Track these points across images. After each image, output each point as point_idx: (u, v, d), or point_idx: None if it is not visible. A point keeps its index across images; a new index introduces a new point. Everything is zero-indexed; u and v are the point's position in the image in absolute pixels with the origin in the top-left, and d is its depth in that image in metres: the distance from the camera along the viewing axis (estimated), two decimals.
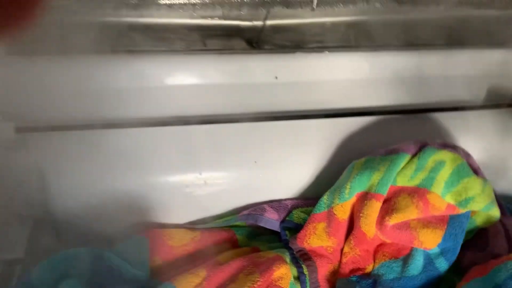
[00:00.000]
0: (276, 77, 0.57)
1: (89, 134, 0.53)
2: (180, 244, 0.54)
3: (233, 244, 0.56)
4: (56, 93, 0.52)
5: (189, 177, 0.56)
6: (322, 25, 0.63)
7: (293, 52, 0.57)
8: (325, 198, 0.53)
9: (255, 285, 0.47)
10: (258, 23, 0.61)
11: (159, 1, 0.54)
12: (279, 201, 0.59)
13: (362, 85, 0.60)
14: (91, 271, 0.48)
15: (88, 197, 0.52)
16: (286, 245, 0.54)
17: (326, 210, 0.52)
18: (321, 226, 0.52)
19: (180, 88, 0.55)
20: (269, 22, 0.60)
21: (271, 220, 0.56)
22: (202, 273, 0.49)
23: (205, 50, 0.58)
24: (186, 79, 0.55)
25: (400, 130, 0.59)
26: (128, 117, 0.54)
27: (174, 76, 0.55)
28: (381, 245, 0.52)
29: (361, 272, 0.51)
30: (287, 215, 0.57)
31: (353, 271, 0.52)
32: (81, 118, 0.53)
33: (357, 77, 0.60)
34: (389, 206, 0.50)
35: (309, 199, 0.59)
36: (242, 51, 0.59)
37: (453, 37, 0.66)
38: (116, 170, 0.53)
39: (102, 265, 0.49)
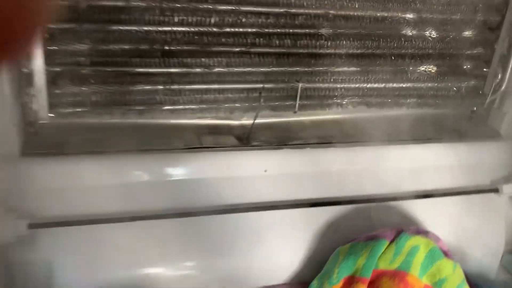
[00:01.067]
0: (265, 171, 0.64)
1: (94, 228, 0.57)
2: None
3: None
4: (64, 190, 0.56)
5: (187, 267, 0.59)
6: (302, 124, 0.72)
7: (281, 148, 0.65)
8: (315, 284, 0.58)
9: None
10: (247, 122, 0.69)
11: (162, 107, 0.62)
12: (273, 285, 0.63)
13: (341, 176, 0.67)
14: None
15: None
16: None
17: None
18: None
19: (179, 182, 0.61)
20: (256, 121, 0.68)
21: None
22: None
23: (201, 147, 0.65)
24: (185, 174, 0.61)
25: (377, 217, 0.66)
26: (131, 211, 0.59)
27: (174, 171, 0.61)
28: None
29: None
30: None
31: None
32: (88, 213, 0.57)
33: (334, 169, 0.68)
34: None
35: (301, 283, 0.63)
36: (234, 148, 0.65)
37: (416, 132, 0.75)
38: (116, 263, 0.57)
39: None
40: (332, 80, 0.68)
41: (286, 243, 0.63)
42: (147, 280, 0.58)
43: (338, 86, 0.68)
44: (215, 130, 0.69)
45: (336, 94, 0.69)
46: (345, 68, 0.68)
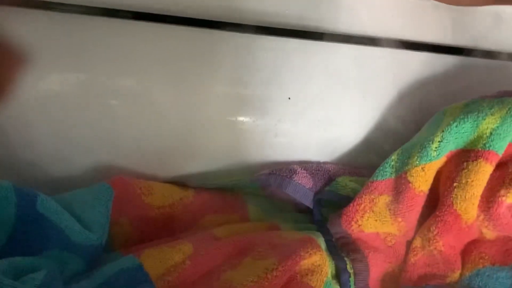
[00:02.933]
0: None
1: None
2: (162, 204, 0.36)
3: (242, 216, 0.37)
4: None
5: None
6: None
7: None
8: (393, 159, 0.34)
9: (268, 276, 0.28)
10: None
11: None
12: (318, 163, 0.40)
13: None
14: (14, 219, 0.30)
15: None
16: (321, 228, 0.35)
17: (394, 176, 0.33)
18: (384, 200, 0.33)
19: None
20: None
21: (302, 187, 0.37)
22: (186, 248, 0.31)
23: None
24: None
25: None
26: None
27: None
28: (480, 241, 0.32)
29: (439, 281, 0.32)
30: (328, 183, 0.38)
31: (425, 278, 0.32)
32: None
33: None
34: (507, 174, 0.30)
35: (359, 167, 0.40)
36: None
37: None
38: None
39: (32, 214, 0.31)
40: None
41: (354, 99, 0.39)
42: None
43: None
44: None
45: None
46: None
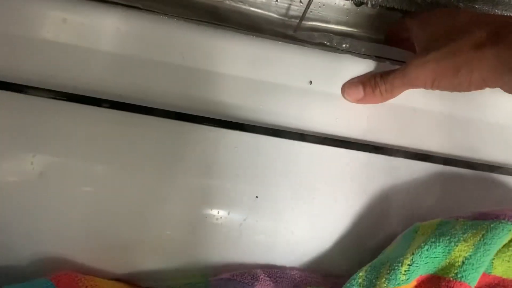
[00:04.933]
0: (310, 82, 0.38)
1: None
2: None
3: None
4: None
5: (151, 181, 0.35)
6: None
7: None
8: (360, 276, 0.31)
9: None
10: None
11: None
12: (282, 268, 0.37)
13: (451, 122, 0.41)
14: None
15: None
16: None
17: None
18: None
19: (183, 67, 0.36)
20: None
21: None
22: None
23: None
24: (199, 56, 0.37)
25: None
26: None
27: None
28: None
29: None
30: None
31: None
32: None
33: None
34: None
35: (330, 275, 0.37)
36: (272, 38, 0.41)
37: None
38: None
39: None
40: None
41: (319, 199, 0.37)
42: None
43: None
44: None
45: None
46: None
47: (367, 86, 0.37)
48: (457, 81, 0.31)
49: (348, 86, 0.38)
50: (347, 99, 0.38)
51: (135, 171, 0.35)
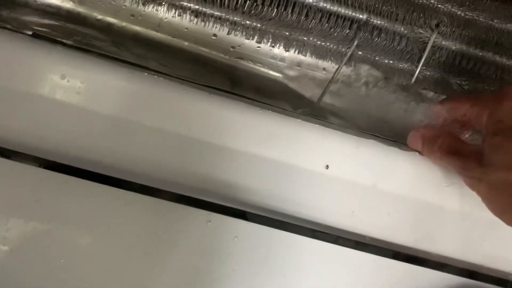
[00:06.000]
0: (327, 167, 0.34)
1: None
2: None
3: None
4: None
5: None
6: None
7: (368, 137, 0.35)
8: None
9: None
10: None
11: None
12: None
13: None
14: None
15: None
16: None
17: None
18: None
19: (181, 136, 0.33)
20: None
21: None
22: None
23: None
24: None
25: None
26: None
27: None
28: None
29: None
30: None
31: None
32: None
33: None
34: None
35: None
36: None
37: None
38: None
39: None
40: None
41: None
42: None
43: None
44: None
45: None
46: None
47: (425, 145, 0.33)
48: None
49: (411, 135, 0.34)
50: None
51: (123, 252, 0.31)
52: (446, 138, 0.32)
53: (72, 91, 0.32)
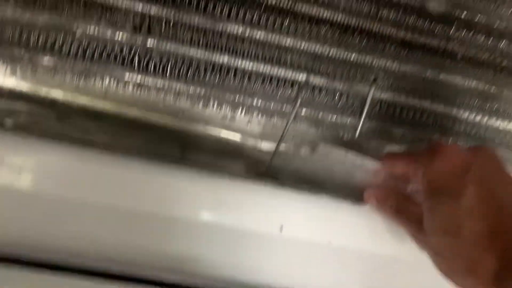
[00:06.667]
0: (281, 228, 0.34)
1: None
2: None
3: None
4: None
5: None
6: None
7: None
8: None
9: None
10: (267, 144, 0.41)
11: None
12: None
13: None
14: None
15: None
16: None
17: None
18: None
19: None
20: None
21: None
22: None
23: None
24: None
25: None
26: None
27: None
28: None
29: None
30: None
31: None
32: None
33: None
34: None
35: None
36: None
37: None
38: None
39: None
40: None
41: None
42: None
43: None
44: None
45: None
46: None
47: (379, 204, 0.34)
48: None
49: (366, 193, 0.35)
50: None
51: None
52: (394, 199, 0.33)
53: (12, 173, 0.31)
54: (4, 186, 0.30)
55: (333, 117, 0.38)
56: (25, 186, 0.31)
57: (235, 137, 0.43)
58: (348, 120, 0.38)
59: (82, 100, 0.41)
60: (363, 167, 0.35)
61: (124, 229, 0.32)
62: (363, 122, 0.38)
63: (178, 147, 0.42)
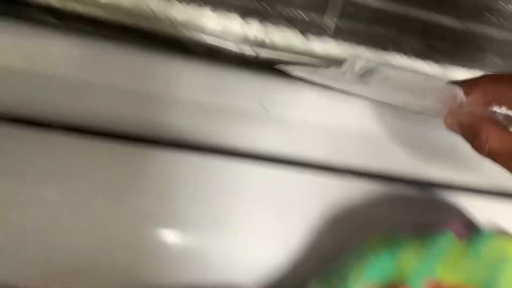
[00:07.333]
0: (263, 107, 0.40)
1: None
2: None
3: None
4: None
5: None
6: None
7: None
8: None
9: None
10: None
11: None
12: None
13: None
14: None
15: None
16: None
17: None
18: None
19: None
20: None
21: None
22: None
23: None
24: None
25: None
26: None
27: None
28: None
29: None
30: None
31: None
32: None
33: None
34: None
35: None
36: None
37: None
38: None
39: None
40: None
41: (273, 221, 0.38)
42: None
43: None
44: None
45: None
46: None
47: (468, 138, 0.29)
48: None
49: (447, 121, 0.29)
50: None
51: (85, 196, 0.35)
52: (492, 131, 0.27)
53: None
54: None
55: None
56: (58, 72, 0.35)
57: None
58: None
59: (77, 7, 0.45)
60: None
61: (130, 105, 0.37)
62: None
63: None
